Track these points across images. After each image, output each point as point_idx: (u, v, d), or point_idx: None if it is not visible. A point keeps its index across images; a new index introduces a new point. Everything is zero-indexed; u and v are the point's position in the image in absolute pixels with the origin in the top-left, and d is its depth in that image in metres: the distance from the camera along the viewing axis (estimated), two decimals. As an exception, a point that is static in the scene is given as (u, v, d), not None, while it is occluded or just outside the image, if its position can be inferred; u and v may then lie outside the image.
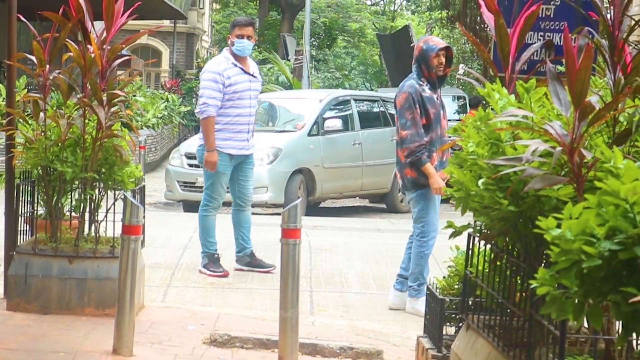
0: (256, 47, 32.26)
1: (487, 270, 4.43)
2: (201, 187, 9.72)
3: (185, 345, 6.23)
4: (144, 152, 20.43)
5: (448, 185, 4.41)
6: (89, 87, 6.72)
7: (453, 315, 5.53)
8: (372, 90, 37.11)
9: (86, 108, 6.76)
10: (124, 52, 7.04)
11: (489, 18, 4.72)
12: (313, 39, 40.50)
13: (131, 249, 5.70)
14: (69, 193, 6.96)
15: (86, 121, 6.79)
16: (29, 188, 7.07)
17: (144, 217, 6.06)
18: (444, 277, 6.01)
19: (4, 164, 7.29)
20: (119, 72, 7.09)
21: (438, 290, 5.70)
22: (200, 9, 48.06)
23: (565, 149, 3.50)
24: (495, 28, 4.67)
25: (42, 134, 6.86)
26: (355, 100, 16.78)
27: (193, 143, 13.56)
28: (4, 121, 7.16)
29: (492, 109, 4.20)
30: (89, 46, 6.72)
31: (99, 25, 6.81)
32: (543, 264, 3.72)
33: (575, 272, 2.79)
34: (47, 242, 6.81)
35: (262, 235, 11.21)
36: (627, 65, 4.03)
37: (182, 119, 29.81)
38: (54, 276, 6.70)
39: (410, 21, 43.73)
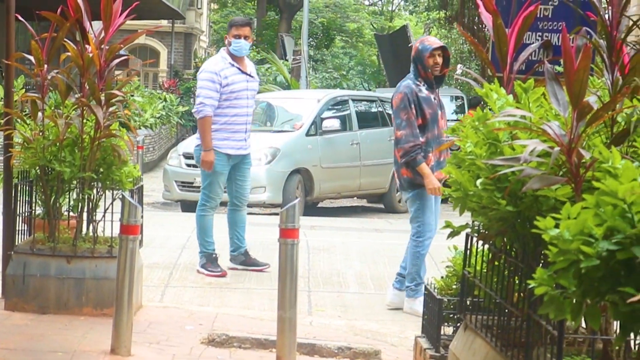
0: (254, 47, 32.28)
1: (485, 270, 4.43)
2: (199, 187, 9.73)
3: (183, 345, 6.23)
4: (141, 152, 20.42)
5: (446, 185, 4.41)
6: (87, 87, 6.72)
7: (451, 315, 5.53)
8: (370, 90, 37.12)
9: (84, 108, 6.75)
10: (121, 52, 7.03)
11: (487, 18, 4.72)
12: (311, 39, 40.49)
13: (129, 249, 5.70)
14: (67, 193, 6.96)
15: (84, 121, 6.79)
16: (27, 188, 7.07)
17: (142, 217, 6.06)
18: (442, 277, 6.01)
19: (2, 164, 7.29)
20: (116, 72, 7.09)
21: (436, 290, 5.71)
22: (198, 9, 48.05)
23: (564, 149, 3.50)
24: (493, 28, 4.67)
25: (40, 133, 6.86)
26: (353, 100, 16.79)
27: (191, 143, 13.55)
28: (2, 121, 7.16)
29: (490, 109, 4.21)
30: (87, 46, 6.72)
31: (97, 25, 6.81)
32: (541, 264, 3.72)
33: (573, 272, 2.79)
34: (45, 241, 6.81)
35: (260, 235, 11.21)
36: (625, 66, 4.03)
37: (180, 119, 29.79)
38: (52, 276, 6.70)
39: (408, 21, 43.73)
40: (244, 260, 9.16)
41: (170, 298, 7.99)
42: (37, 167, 6.87)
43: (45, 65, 6.88)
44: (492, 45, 5.33)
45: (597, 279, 2.77)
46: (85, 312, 6.67)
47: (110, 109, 6.81)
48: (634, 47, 4.19)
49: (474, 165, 4.03)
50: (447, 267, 5.99)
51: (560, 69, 4.34)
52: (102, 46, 6.76)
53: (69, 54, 6.73)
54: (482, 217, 4.14)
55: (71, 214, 7.02)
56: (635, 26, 4.14)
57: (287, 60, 31.31)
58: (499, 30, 4.63)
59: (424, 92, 7.70)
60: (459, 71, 26.08)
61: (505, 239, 4.12)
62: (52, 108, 6.99)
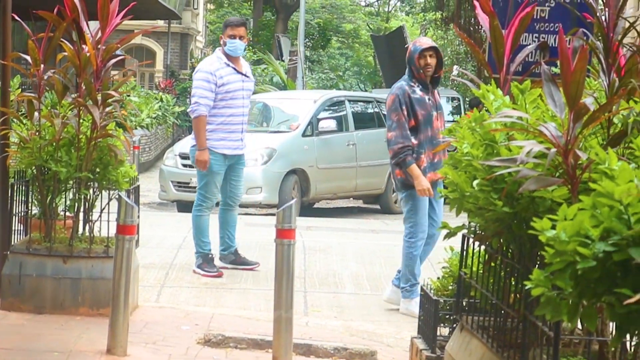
0: (250, 47, 32.28)
1: (482, 271, 4.43)
2: (195, 187, 9.73)
3: (179, 345, 6.22)
4: (138, 152, 20.41)
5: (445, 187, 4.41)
6: (84, 87, 6.72)
7: (447, 316, 5.53)
8: (366, 91, 37.11)
9: (81, 108, 6.75)
10: (118, 52, 7.03)
11: (483, 19, 4.73)
12: (307, 39, 40.45)
13: (125, 249, 5.70)
14: (64, 193, 6.96)
15: (81, 121, 6.79)
16: (23, 187, 7.07)
17: (138, 217, 6.06)
18: (438, 278, 6.02)
19: (-2, 164, 7.28)
20: (113, 72, 7.08)
21: (432, 291, 5.71)
22: (195, 9, 48.02)
23: (560, 150, 3.51)
24: (490, 29, 4.68)
25: (37, 133, 6.85)
26: (349, 101, 16.79)
27: (187, 143, 13.53)
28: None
29: (487, 110, 4.21)
30: (83, 46, 6.72)
31: (94, 25, 6.81)
32: (537, 265, 3.73)
33: (570, 273, 2.79)
34: (41, 241, 6.81)
35: (256, 235, 11.22)
36: (621, 68, 4.04)
37: (176, 119, 29.77)
38: (48, 276, 6.69)
39: (404, 22, 43.75)
40: (234, 259, 9.20)
41: (166, 298, 7.98)
42: (34, 167, 6.86)
43: (42, 65, 6.87)
44: (488, 47, 5.33)
45: (594, 280, 2.78)
46: (81, 312, 6.67)
47: (107, 109, 6.81)
48: (630, 48, 4.19)
49: (470, 166, 4.04)
50: (444, 268, 6.00)
51: (556, 70, 4.34)
52: (99, 46, 6.76)
53: (66, 53, 6.72)
54: (478, 218, 4.14)
55: (67, 213, 7.01)
56: (631, 28, 4.15)
57: (283, 60, 31.29)
58: (495, 31, 4.63)
59: (417, 93, 7.71)
60: (455, 72, 26.10)
61: (501, 240, 4.13)
62: (49, 108, 6.98)
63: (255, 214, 15.09)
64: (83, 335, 6.14)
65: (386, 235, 12.33)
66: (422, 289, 5.84)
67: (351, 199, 17.74)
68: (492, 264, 4.25)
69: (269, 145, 14.82)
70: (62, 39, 6.72)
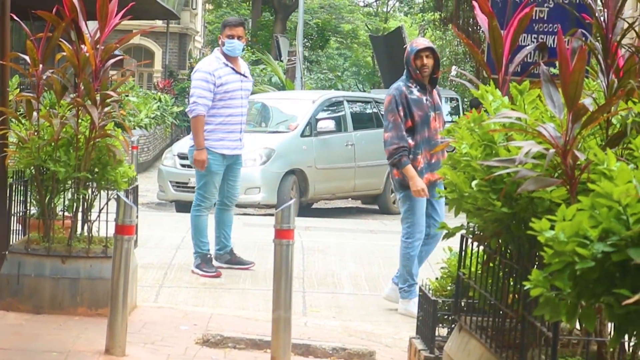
0: (249, 47, 32.27)
1: (480, 271, 4.44)
2: (193, 187, 9.74)
3: (178, 345, 6.23)
4: (136, 152, 20.41)
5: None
6: (83, 87, 6.72)
7: (446, 317, 5.53)
8: (364, 91, 37.13)
9: (79, 108, 6.75)
10: (116, 52, 7.03)
11: (482, 20, 4.73)
12: (306, 40, 40.47)
13: (124, 249, 5.70)
14: (62, 193, 6.96)
15: (79, 121, 6.79)
16: (22, 187, 7.06)
17: (136, 217, 6.06)
18: (437, 279, 6.02)
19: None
20: (111, 72, 7.08)
21: (431, 292, 5.71)
22: (193, 9, 48.02)
23: (559, 151, 3.51)
24: (488, 30, 4.68)
25: (35, 133, 6.85)
26: (348, 101, 16.80)
27: (185, 143, 13.54)
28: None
29: (485, 111, 4.21)
30: (82, 46, 6.72)
31: (92, 25, 6.81)
32: (536, 266, 3.73)
33: (569, 274, 2.79)
34: (39, 241, 6.81)
35: (254, 235, 11.23)
36: (620, 68, 4.04)
37: (174, 119, 29.76)
38: (46, 276, 6.69)
39: (403, 23, 43.76)
40: (230, 259, 9.22)
41: (164, 298, 7.98)
42: (32, 167, 6.86)
43: (41, 65, 6.87)
44: (487, 47, 5.34)
45: (592, 281, 2.78)
46: (79, 312, 6.66)
47: (106, 109, 6.81)
48: (629, 49, 4.20)
49: (469, 167, 4.04)
50: (442, 268, 6.00)
51: (555, 71, 4.35)
52: (98, 46, 6.76)
53: (65, 53, 6.72)
54: (477, 218, 4.15)
55: (66, 213, 7.01)
56: (630, 29, 4.15)
57: (282, 61, 31.31)
58: (494, 32, 4.64)
59: (415, 94, 7.72)
60: (453, 73, 26.11)
61: (500, 240, 4.13)
62: (47, 108, 6.98)
63: (253, 214, 15.09)
64: (81, 335, 6.14)
65: (385, 236, 12.34)
66: (420, 290, 5.85)
67: (350, 199, 17.74)
68: (491, 265, 4.25)
69: (268, 146, 14.82)
70: (60, 39, 6.72)
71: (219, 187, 9.11)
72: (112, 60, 6.85)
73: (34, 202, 7.05)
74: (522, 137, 3.82)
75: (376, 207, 17.14)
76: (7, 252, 6.82)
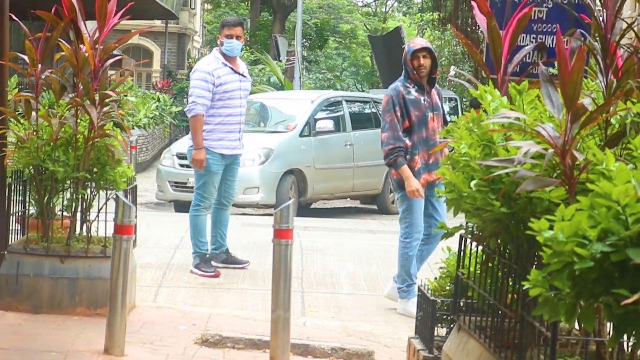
0: (248, 47, 32.26)
1: (479, 271, 4.44)
2: (192, 187, 9.74)
3: (177, 345, 6.23)
4: (135, 152, 20.40)
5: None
6: (81, 87, 6.71)
7: (444, 317, 5.54)
8: (363, 91, 37.12)
9: (78, 108, 6.75)
10: (115, 52, 7.03)
11: (481, 20, 4.73)
12: (304, 39, 40.48)
13: (123, 249, 5.70)
14: (61, 192, 6.96)
15: (78, 121, 6.79)
16: (21, 187, 7.06)
17: (135, 217, 6.06)
18: (436, 279, 6.02)
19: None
20: (110, 72, 7.08)
21: (429, 292, 5.71)
22: (192, 9, 48.01)
23: (558, 151, 3.51)
24: (487, 30, 4.68)
25: (34, 133, 6.85)
26: (346, 101, 16.80)
27: (184, 143, 13.54)
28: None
29: (484, 111, 4.21)
30: (81, 46, 6.72)
31: (91, 25, 6.81)
32: (535, 266, 3.73)
33: (568, 274, 2.79)
34: (38, 241, 6.81)
35: (253, 235, 11.23)
36: (618, 69, 4.04)
37: (173, 119, 29.76)
38: (45, 276, 6.69)
39: (401, 23, 43.74)
40: (226, 258, 9.23)
41: (163, 298, 7.98)
42: (31, 167, 6.86)
43: (39, 65, 6.87)
44: (486, 47, 5.34)
45: (591, 281, 2.78)
46: (78, 312, 6.66)
47: (104, 109, 6.81)
48: (627, 49, 4.20)
49: (468, 167, 4.04)
50: (441, 268, 6.00)
51: (554, 71, 4.34)
52: (97, 46, 6.76)
53: (63, 53, 6.72)
54: (476, 218, 4.15)
55: (65, 213, 7.01)
56: (629, 29, 4.15)
57: (280, 61, 31.31)
58: (493, 32, 4.64)
59: (412, 94, 7.73)
60: (452, 73, 26.11)
61: (499, 240, 4.13)
62: (46, 108, 6.98)
63: (252, 214, 15.09)
64: (80, 335, 6.14)
65: (383, 236, 12.34)
66: (419, 289, 5.85)
67: (348, 199, 17.74)
68: (490, 265, 4.25)
69: (267, 146, 14.82)
70: (59, 39, 6.71)
71: (217, 187, 9.12)
72: (110, 60, 6.84)
73: (33, 202, 7.05)
74: (521, 137, 3.83)
75: (375, 207, 17.14)
76: (5, 252, 6.82)
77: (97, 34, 6.77)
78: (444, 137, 4.60)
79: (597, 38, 4.13)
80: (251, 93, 10.77)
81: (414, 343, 5.63)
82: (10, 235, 6.95)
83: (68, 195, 6.91)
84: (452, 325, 5.26)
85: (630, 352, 3.54)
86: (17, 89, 8.64)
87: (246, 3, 46.65)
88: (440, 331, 5.55)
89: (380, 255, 10.36)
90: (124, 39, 7.12)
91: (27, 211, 7.08)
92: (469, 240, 4.53)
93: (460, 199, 4.10)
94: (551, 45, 5.81)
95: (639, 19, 4.94)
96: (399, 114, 7.65)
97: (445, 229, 4.38)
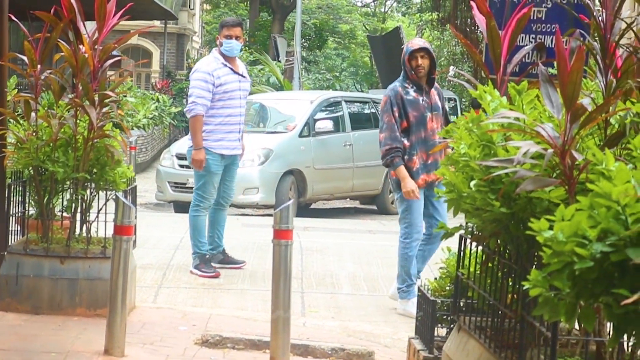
0: (247, 48, 32.26)
1: (479, 271, 4.44)
2: (192, 188, 9.74)
3: (177, 345, 6.23)
4: (134, 152, 20.40)
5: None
6: (81, 88, 6.71)
7: (444, 317, 5.54)
8: (362, 91, 37.13)
9: (78, 108, 6.75)
10: (114, 52, 7.03)
11: (480, 20, 4.73)
12: (304, 40, 40.48)
13: (123, 250, 5.70)
14: (61, 193, 6.96)
15: (78, 121, 6.79)
16: (20, 188, 7.06)
17: (135, 217, 6.06)
18: (436, 279, 6.02)
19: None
20: (109, 73, 7.08)
21: (429, 292, 5.71)
22: (191, 9, 48.00)
23: (557, 151, 3.51)
24: (487, 30, 4.68)
25: (34, 134, 6.85)
26: (346, 101, 16.80)
27: (184, 144, 13.56)
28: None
29: (484, 111, 4.22)
30: (80, 46, 6.72)
31: (90, 25, 6.81)
32: (535, 266, 3.73)
33: (567, 274, 2.79)
34: (38, 242, 6.81)
35: (253, 236, 11.22)
36: (618, 69, 4.05)
37: (172, 120, 29.76)
38: (45, 276, 6.69)
39: (400, 23, 43.76)
40: (222, 258, 9.25)
41: (163, 299, 7.98)
42: (31, 168, 6.86)
43: (39, 66, 6.87)
44: (485, 47, 5.34)
45: (591, 281, 2.78)
46: (78, 313, 6.66)
47: (104, 110, 6.81)
48: (627, 49, 4.20)
49: (467, 167, 4.04)
50: (441, 268, 6.00)
51: (553, 71, 4.35)
52: (96, 47, 6.76)
53: (63, 54, 6.72)
54: (475, 218, 4.15)
55: (64, 214, 7.01)
56: (628, 29, 4.16)
57: (279, 61, 31.31)
58: (492, 32, 4.64)
59: (411, 94, 7.73)
60: (451, 73, 26.11)
61: (499, 240, 4.13)
62: (46, 108, 6.98)
63: (252, 215, 15.09)
64: (80, 336, 6.14)
65: (383, 236, 12.34)
66: (419, 290, 5.85)
67: (348, 199, 17.74)
68: (490, 265, 4.25)
69: (266, 146, 14.82)
70: (59, 40, 6.72)
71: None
72: (110, 61, 6.84)
73: (33, 203, 7.04)
74: (520, 137, 3.83)
75: (374, 207, 17.14)
76: (5, 253, 6.82)
77: (96, 35, 6.77)
78: (444, 138, 4.61)
79: (597, 38, 4.13)
80: (250, 93, 10.77)
81: (414, 343, 5.63)
82: (10, 236, 6.95)
83: (68, 196, 6.91)
84: (452, 326, 5.26)
85: (631, 352, 3.54)
86: (16, 90, 8.64)
87: (245, 3, 46.66)
88: (441, 331, 5.55)
89: (380, 255, 10.36)
90: (123, 39, 7.12)
91: (26, 212, 7.08)
92: (468, 241, 4.53)
93: (460, 199, 4.10)
94: (550, 45, 5.82)
95: (638, 19, 4.95)
96: (396, 114, 7.65)
97: (445, 229, 4.38)
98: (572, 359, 3.81)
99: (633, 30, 4.23)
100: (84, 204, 6.90)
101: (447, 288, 5.84)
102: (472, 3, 4.75)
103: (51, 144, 6.76)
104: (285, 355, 5.65)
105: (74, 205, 6.85)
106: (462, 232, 4.49)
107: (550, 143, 3.52)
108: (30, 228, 7.00)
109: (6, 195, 6.97)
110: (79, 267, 6.69)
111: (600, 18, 4.09)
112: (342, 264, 9.87)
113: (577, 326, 3.90)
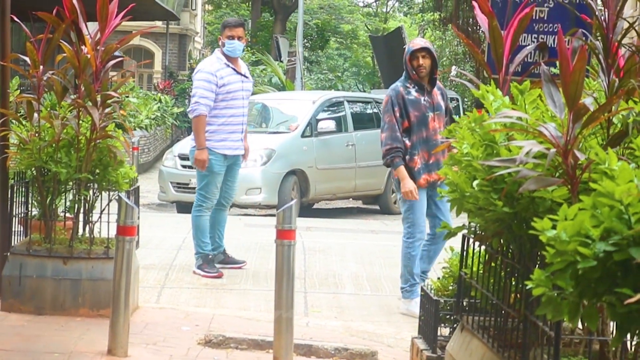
0: (249, 48, 32.26)
1: (482, 271, 4.44)
2: (194, 188, 9.74)
3: (180, 346, 6.23)
4: (137, 153, 20.42)
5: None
6: (83, 88, 6.72)
7: (448, 316, 5.54)
8: (364, 91, 37.14)
9: (80, 109, 6.75)
10: (116, 53, 7.04)
11: (482, 20, 4.74)
12: (306, 40, 40.46)
13: (126, 250, 5.71)
14: (63, 194, 6.96)
15: (80, 122, 6.79)
16: (23, 189, 7.07)
17: (138, 218, 6.06)
18: (439, 278, 6.03)
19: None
20: (112, 73, 7.09)
21: (432, 292, 5.72)
22: (193, 10, 48.02)
23: (560, 151, 3.51)
24: (489, 30, 4.68)
25: (36, 134, 6.85)
26: (348, 101, 16.80)
27: (186, 144, 13.57)
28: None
29: (486, 111, 4.22)
30: (82, 47, 6.72)
31: (93, 26, 6.81)
32: (538, 265, 3.74)
33: (571, 273, 2.80)
34: (41, 242, 6.81)
35: (255, 236, 11.23)
36: (620, 68, 4.05)
37: (175, 120, 29.77)
38: (48, 277, 6.69)
39: (402, 23, 43.74)
40: (223, 258, 9.25)
41: (166, 299, 7.99)
42: (33, 168, 6.86)
43: (41, 67, 6.87)
44: (487, 47, 5.34)
45: (594, 280, 2.78)
46: (81, 313, 6.67)
47: (106, 110, 6.82)
48: (629, 49, 4.20)
49: (470, 167, 4.04)
50: (444, 268, 6.00)
51: (556, 70, 4.35)
52: (98, 47, 6.76)
53: (65, 55, 6.72)
54: (478, 218, 4.15)
55: (67, 215, 7.02)
56: (631, 28, 4.16)
57: (282, 61, 31.32)
58: (494, 31, 4.64)
59: (412, 94, 7.74)
60: (453, 73, 26.11)
61: (501, 240, 4.13)
62: (48, 109, 6.99)
63: (254, 215, 15.10)
64: (83, 337, 6.14)
65: (386, 236, 12.34)
66: (422, 289, 5.85)
67: (350, 199, 17.75)
68: (493, 264, 4.25)
69: (268, 146, 14.83)
70: (61, 40, 6.72)
71: (218, 187, 9.13)
72: (112, 62, 6.85)
73: (35, 204, 7.05)
74: (523, 136, 3.83)
75: (377, 207, 17.14)
76: (8, 254, 6.83)
77: (98, 35, 6.78)
78: (446, 137, 4.61)
79: (599, 37, 4.13)
80: (253, 94, 10.77)
81: (417, 343, 5.63)
82: (12, 236, 6.96)
83: (70, 197, 6.92)
84: (455, 325, 5.26)
85: (634, 351, 3.54)
86: (18, 91, 8.64)
87: (247, 4, 46.65)
88: (444, 331, 5.55)
89: (382, 255, 10.36)
90: (126, 40, 7.13)
91: (29, 212, 7.09)
92: (471, 240, 4.53)
93: (463, 198, 4.10)
94: (553, 45, 5.81)
95: (640, 18, 4.94)
96: (397, 114, 7.66)
97: (447, 229, 4.38)
98: (576, 358, 3.81)
99: (635, 30, 4.23)
100: (86, 205, 6.90)
101: (450, 288, 5.84)
102: (474, 3, 4.75)
103: (54, 145, 6.77)
104: (289, 355, 5.65)
105: (76, 205, 6.85)
106: (464, 231, 4.49)
107: (553, 143, 3.52)
108: (33, 229, 7.01)
109: (9, 196, 6.97)
110: (82, 268, 6.70)
111: (602, 17, 4.09)
112: (345, 264, 9.88)
113: (580, 325, 3.91)
